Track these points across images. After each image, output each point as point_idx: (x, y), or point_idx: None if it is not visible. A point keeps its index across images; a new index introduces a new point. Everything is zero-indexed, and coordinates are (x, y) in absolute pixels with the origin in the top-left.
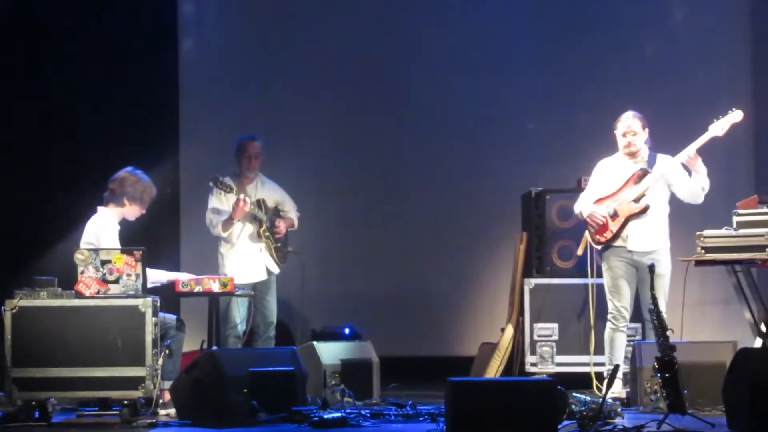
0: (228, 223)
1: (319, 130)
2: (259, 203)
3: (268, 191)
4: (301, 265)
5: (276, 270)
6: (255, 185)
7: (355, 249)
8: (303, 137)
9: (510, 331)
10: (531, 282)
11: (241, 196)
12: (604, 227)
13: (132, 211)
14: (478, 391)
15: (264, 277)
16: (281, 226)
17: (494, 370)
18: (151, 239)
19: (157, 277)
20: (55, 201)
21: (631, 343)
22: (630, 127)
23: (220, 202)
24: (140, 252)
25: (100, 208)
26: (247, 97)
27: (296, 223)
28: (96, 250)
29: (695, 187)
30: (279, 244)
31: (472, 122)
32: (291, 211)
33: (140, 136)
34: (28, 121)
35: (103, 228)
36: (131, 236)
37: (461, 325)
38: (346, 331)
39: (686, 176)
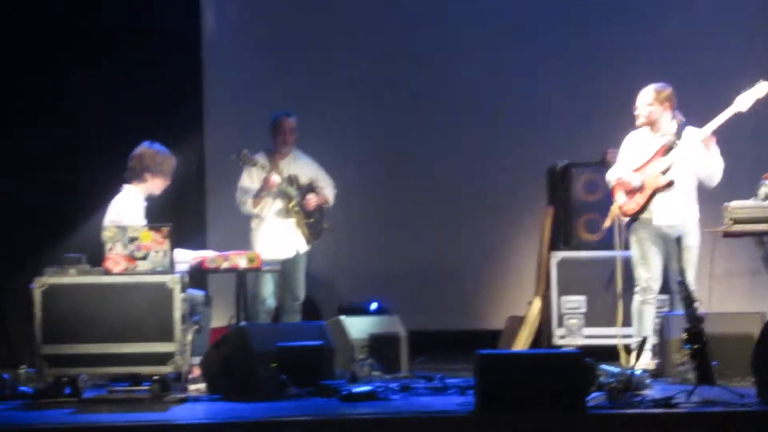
0: (258, 198)
1: (345, 105)
2: (290, 179)
3: (302, 167)
4: (335, 241)
5: (305, 247)
6: (288, 161)
7: (382, 224)
8: (329, 112)
9: (537, 304)
10: (558, 255)
11: (270, 172)
12: (632, 193)
13: (156, 185)
14: (507, 364)
15: (292, 254)
16: (311, 201)
17: (522, 343)
18: (177, 218)
19: (183, 257)
20: (82, 178)
21: (660, 314)
22: (638, 99)
23: (250, 179)
24: (167, 228)
25: (125, 186)
26: (273, 70)
27: (331, 199)
28: (124, 228)
29: (712, 166)
30: (311, 220)
31: (497, 96)
32: (327, 187)
33: (164, 113)
34: (51, 98)
35: (126, 206)
36: (157, 215)
37: (488, 298)
38: (374, 305)
39: (705, 155)
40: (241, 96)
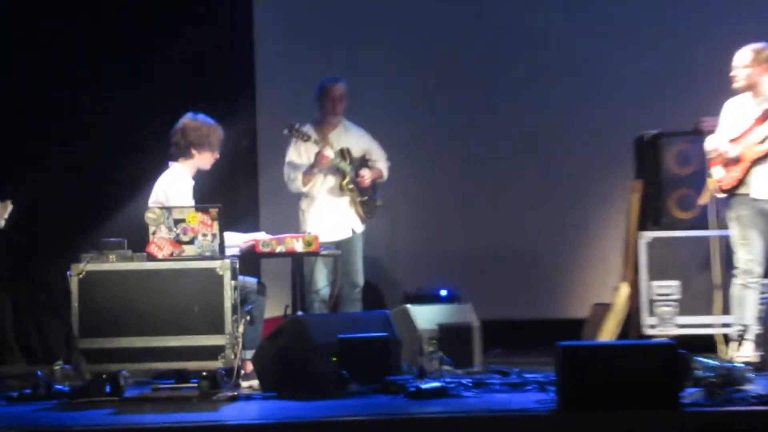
0: (308, 175)
1: (408, 76)
2: (343, 153)
3: (354, 139)
4: (391, 220)
5: (361, 227)
6: (338, 133)
7: (451, 202)
8: (389, 83)
9: (625, 290)
10: (647, 235)
11: (323, 146)
12: (730, 165)
13: (204, 160)
14: (592, 357)
15: (348, 234)
16: (366, 176)
17: (608, 333)
18: (227, 198)
19: (233, 241)
20: (123, 158)
21: (763, 301)
22: (735, 60)
23: (298, 154)
24: (216, 209)
25: (171, 164)
26: (328, 38)
27: (386, 173)
28: (168, 209)
29: None
30: (365, 198)
31: (579, 60)
32: (380, 160)
33: (213, 87)
34: (92, 72)
35: (172, 184)
36: (206, 194)
37: (570, 284)
38: (443, 292)
39: None
40: (296, 66)
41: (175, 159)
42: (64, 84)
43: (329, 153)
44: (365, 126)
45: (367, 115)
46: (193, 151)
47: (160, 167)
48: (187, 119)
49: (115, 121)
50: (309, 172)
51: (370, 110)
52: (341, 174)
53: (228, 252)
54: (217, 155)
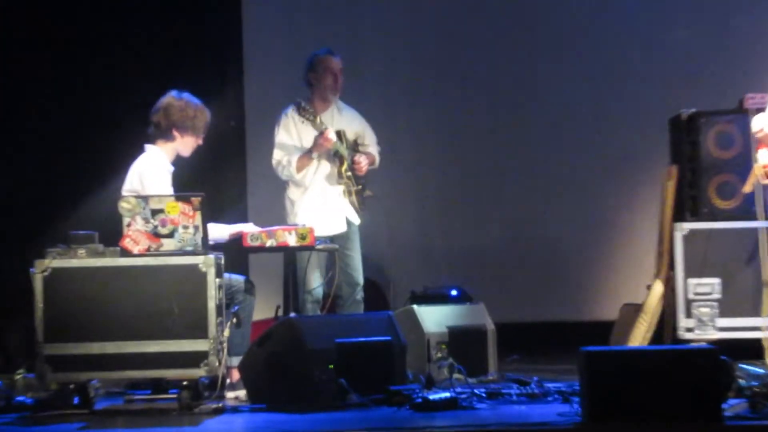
0: (305, 160)
1: (411, 55)
2: (339, 135)
3: (347, 120)
4: (386, 212)
5: (357, 219)
6: (331, 113)
7: (461, 192)
8: (390, 62)
9: (659, 288)
10: (684, 227)
11: (325, 127)
12: None
13: (186, 144)
14: (621, 364)
15: (344, 228)
16: (362, 163)
17: (640, 337)
18: (211, 185)
19: (218, 233)
20: (93, 140)
21: None
22: None
23: (289, 135)
24: (199, 199)
25: (148, 147)
26: (322, 8)
27: (377, 159)
28: (145, 198)
29: None
30: (359, 187)
31: (603, 31)
32: (372, 145)
33: (197, 62)
34: (61, 44)
35: (149, 169)
36: (187, 181)
37: (596, 282)
38: (453, 292)
39: None
40: (288, 38)
41: (153, 141)
42: (27, 57)
43: (332, 135)
44: (362, 109)
45: (365, 96)
46: (175, 133)
47: (135, 150)
48: (172, 97)
49: (84, 99)
50: (306, 156)
51: (368, 91)
52: (338, 160)
53: (212, 242)
54: (200, 141)
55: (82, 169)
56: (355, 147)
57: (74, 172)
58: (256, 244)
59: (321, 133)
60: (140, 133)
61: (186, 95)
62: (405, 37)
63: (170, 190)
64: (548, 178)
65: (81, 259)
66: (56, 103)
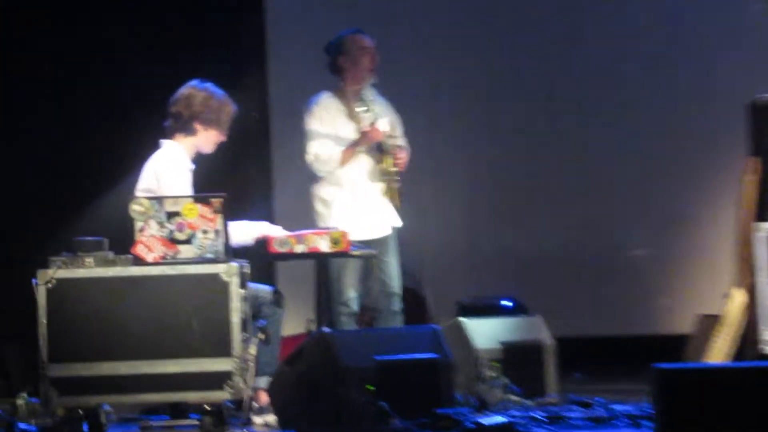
0: (348, 154)
1: (449, 43)
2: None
3: (381, 110)
4: (425, 212)
5: (399, 221)
6: (362, 102)
7: (514, 191)
8: (431, 46)
9: (739, 297)
10: (766, 227)
11: (376, 117)
12: None
13: (208, 140)
14: (697, 382)
15: (387, 231)
16: (400, 156)
17: (720, 352)
18: (232, 184)
19: (243, 235)
20: (101, 136)
21: None
22: None
23: (323, 125)
24: (220, 200)
25: (164, 142)
26: None
27: (407, 151)
28: (159, 199)
29: None
30: (400, 185)
31: (671, 8)
32: (401, 137)
33: (217, 47)
34: (60, 36)
35: (167, 167)
36: (205, 180)
37: (668, 291)
38: (506, 302)
39: None
40: (314, 20)
41: (171, 135)
42: (29, 52)
43: (385, 126)
44: (399, 101)
45: (399, 87)
46: (197, 126)
47: (148, 148)
48: (193, 87)
49: (92, 92)
50: (351, 150)
51: (403, 82)
52: (380, 154)
53: (235, 245)
54: (223, 137)
55: (89, 168)
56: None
57: (81, 172)
58: (284, 250)
59: (372, 125)
60: (153, 129)
61: (209, 85)
62: (444, 22)
63: (190, 191)
64: (610, 175)
65: (89, 269)
66: (62, 96)
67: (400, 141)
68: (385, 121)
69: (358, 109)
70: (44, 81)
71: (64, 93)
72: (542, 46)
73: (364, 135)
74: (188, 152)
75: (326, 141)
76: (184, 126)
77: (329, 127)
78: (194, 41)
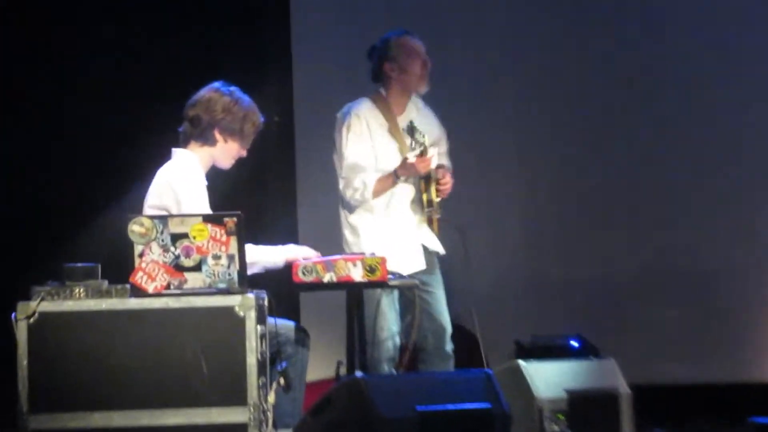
0: (385, 183)
1: (494, 46)
2: (423, 145)
3: (427, 123)
4: (469, 235)
5: (441, 248)
6: (408, 114)
7: (582, 212)
8: (463, 46)
9: None
10: None
11: (424, 146)
12: None
13: (227, 152)
14: None
15: (422, 266)
16: (448, 180)
17: None
18: (251, 199)
19: (271, 256)
20: (103, 142)
21: None
22: None
23: (362, 143)
24: (234, 219)
25: (177, 151)
26: None
27: (450, 172)
28: (163, 219)
29: None
30: (440, 209)
31: (753, 19)
32: (445, 155)
33: (240, 47)
34: (54, 40)
35: (185, 179)
36: (220, 194)
37: (766, 329)
38: (574, 342)
39: None
40: (345, 13)
41: (185, 143)
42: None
43: (435, 161)
44: (448, 113)
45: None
46: (217, 136)
47: (155, 161)
48: (217, 90)
49: (91, 94)
50: (388, 179)
51: (451, 91)
52: (424, 182)
53: (252, 272)
54: (244, 151)
55: (81, 181)
56: None
57: (71, 185)
58: (310, 279)
59: (421, 156)
60: (164, 138)
61: (235, 89)
62: (496, 24)
63: (207, 207)
64: (699, 192)
65: (78, 301)
66: (56, 98)
67: (445, 160)
68: (433, 151)
69: (406, 141)
70: (40, 79)
71: (63, 91)
72: (617, 55)
73: (408, 166)
74: (203, 164)
75: (362, 164)
76: (201, 133)
77: (368, 145)
78: (213, 44)
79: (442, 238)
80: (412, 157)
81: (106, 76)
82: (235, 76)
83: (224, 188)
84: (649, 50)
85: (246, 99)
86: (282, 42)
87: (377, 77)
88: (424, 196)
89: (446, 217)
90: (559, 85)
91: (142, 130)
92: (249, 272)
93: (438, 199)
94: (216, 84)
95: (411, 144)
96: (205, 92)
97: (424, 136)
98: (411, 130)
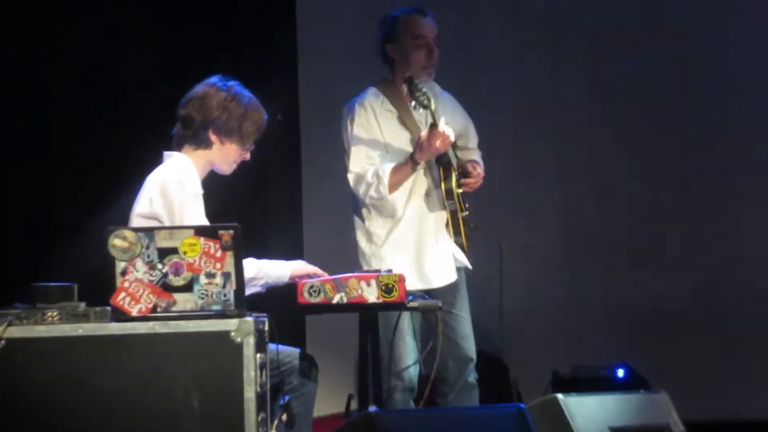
0: (403, 171)
1: (525, 30)
2: None
3: (448, 111)
4: (505, 250)
5: (468, 263)
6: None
7: (629, 227)
8: (501, 49)
9: None
10: None
11: (438, 116)
12: None
13: (226, 156)
14: None
15: (453, 277)
16: (476, 174)
17: None
18: (251, 207)
19: (276, 269)
20: (83, 147)
21: None
22: None
23: (371, 134)
24: (231, 233)
25: (170, 154)
26: None
27: (483, 167)
28: (149, 231)
29: None
30: (467, 213)
31: None
32: (475, 148)
33: (242, 42)
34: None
35: (182, 185)
36: (216, 203)
37: None
38: (620, 372)
39: None
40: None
41: (179, 146)
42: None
43: (449, 130)
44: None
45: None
46: (212, 137)
47: (145, 167)
48: (213, 86)
49: (85, 92)
50: (407, 166)
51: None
52: (443, 171)
53: (250, 292)
54: (246, 154)
55: (56, 188)
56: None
57: (44, 194)
58: (318, 300)
59: (432, 127)
60: (158, 140)
61: (234, 84)
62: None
63: (203, 218)
64: (756, 212)
65: (51, 326)
66: (37, 88)
67: (474, 154)
68: (446, 124)
69: (413, 103)
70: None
71: (43, 90)
72: (670, 69)
73: (422, 143)
74: (199, 170)
75: (373, 155)
76: (195, 134)
77: (378, 136)
78: (216, 38)
79: (470, 247)
80: (423, 132)
81: (93, 75)
82: (246, 76)
83: (220, 199)
84: (710, 66)
85: (246, 94)
86: (288, 43)
87: (383, 59)
88: (443, 185)
89: (474, 223)
90: (607, 95)
91: (133, 131)
92: (247, 291)
93: (460, 191)
94: (212, 78)
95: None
96: (200, 88)
97: (429, 100)
98: (411, 86)
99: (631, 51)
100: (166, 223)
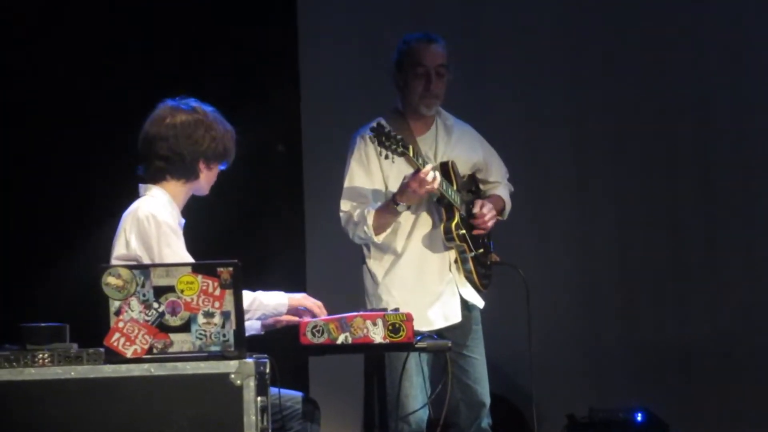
0: (386, 214)
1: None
2: (448, 170)
3: (461, 145)
4: (516, 288)
5: (479, 301)
6: (433, 135)
7: (648, 265)
8: (514, 69)
9: None
10: None
11: (422, 162)
12: None
13: (211, 178)
14: None
15: (457, 318)
16: (486, 214)
17: None
18: (250, 241)
19: (274, 299)
20: (68, 180)
21: None
22: None
23: (366, 171)
24: (230, 269)
25: (147, 188)
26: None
27: (509, 204)
28: (144, 269)
29: None
30: (480, 251)
31: None
32: (500, 181)
33: (244, 69)
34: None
35: (162, 223)
36: (209, 238)
37: None
38: (638, 416)
39: None
40: (361, 21)
41: (158, 179)
42: None
43: (435, 176)
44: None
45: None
46: (201, 167)
47: (127, 195)
48: (187, 112)
49: (66, 121)
50: (388, 209)
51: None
52: (447, 209)
53: (251, 333)
54: (213, 176)
55: (45, 224)
56: (471, 187)
57: (33, 229)
58: (321, 340)
59: (416, 172)
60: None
61: (200, 105)
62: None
63: (186, 255)
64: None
65: (42, 368)
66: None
67: (500, 189)
68: (431, 168)
69: (386, 154)
70: None
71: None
72: (696, 98)
73: (403, 188)
74: (180, 200)
75: (364, 194)
76: (183, 168)
77: (377, 174)
78: (210, 62)
79: (491, 287)
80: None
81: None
82: (243, 103)
83: (215, 231)
84: (731, 95)
85: (211, 110)
86: (290, 54)
87: (396, 87)
88: (442, 226)
89: (499, 259)
90: (628, 127)
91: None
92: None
93: (461, 231)
94: (170, 102)
95: (413, 158)
96: (174, 119)
97: (404, 147)
98: (379, 137)
99: (651, 71)
100: (146, 263)
